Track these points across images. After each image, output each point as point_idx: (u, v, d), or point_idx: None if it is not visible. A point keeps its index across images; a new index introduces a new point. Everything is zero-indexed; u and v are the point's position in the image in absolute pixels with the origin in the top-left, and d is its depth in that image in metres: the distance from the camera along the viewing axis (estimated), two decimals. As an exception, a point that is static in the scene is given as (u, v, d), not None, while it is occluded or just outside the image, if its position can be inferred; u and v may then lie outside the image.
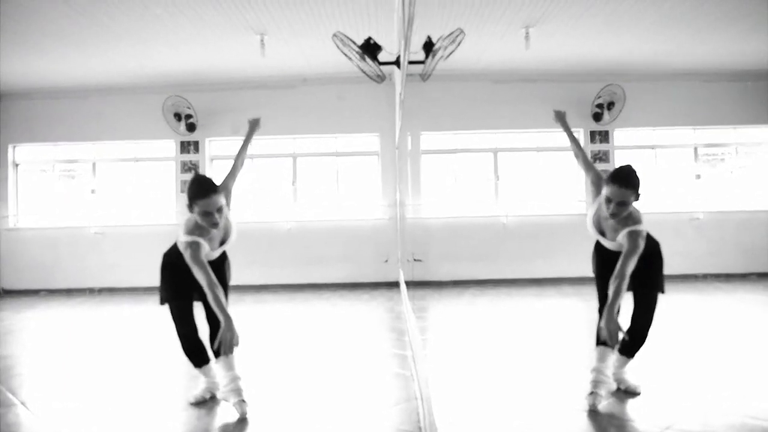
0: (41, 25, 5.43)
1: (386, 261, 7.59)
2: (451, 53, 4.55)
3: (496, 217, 7.55)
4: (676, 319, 4.77)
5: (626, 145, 7.70)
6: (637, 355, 2.87)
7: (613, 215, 2.61)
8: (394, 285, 7.38)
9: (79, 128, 7.89)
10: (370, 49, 4.83)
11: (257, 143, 8.02)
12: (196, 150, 7.80)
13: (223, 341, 2.56)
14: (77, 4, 4.99)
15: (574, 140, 3.21)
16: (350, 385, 3.24)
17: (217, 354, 2.85)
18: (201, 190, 2.65)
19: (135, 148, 8.07)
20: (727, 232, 7.30)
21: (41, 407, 2.91)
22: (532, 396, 2.90)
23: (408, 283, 5.97)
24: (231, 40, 6.08)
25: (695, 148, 7.73)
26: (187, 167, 7.79)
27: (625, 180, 2.57)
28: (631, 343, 2.83)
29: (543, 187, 7.74)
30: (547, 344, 4.17)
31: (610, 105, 7.28)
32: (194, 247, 2.71)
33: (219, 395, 2.89)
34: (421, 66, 4.70)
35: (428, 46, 4.56)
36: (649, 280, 2.78)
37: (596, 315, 2.83)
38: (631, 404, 2.70)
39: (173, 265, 2.87)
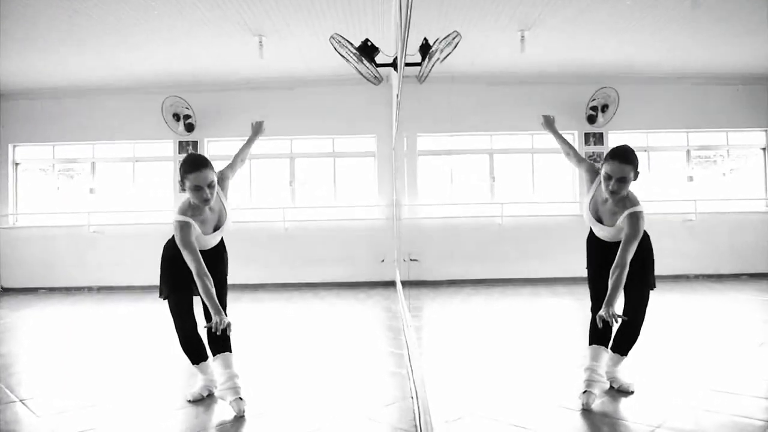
0: (41, 25, 5.45)
1: (383, 261, 7.62)
2: (447, 56, 4.58)
3: (492, 217, 7.60)
4: (668, 318, 4.82)
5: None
6: (630, 353, 2.89)
7: (612, 192, 2.62)
8: (390, 284, 7.41)
9: (79, 128, 7.92)
10: (367, 50, 4.85)
11: (256, 143, 8.05)
12: (195, 150, 7.82)
13: (215, 330, 2.60)
14: (77, 4, 5.01)
15: (563, 141, 3.23)
16: (346, 384, 3.27)
17: (215, 351, 2.88)
18: (192, 164, 2.69)
19: (134, 148, 8.10)
20: (720, 234, 7.37)
21: (40, 405, 2.92)
22: (527, 394, 2.93)
23: (404, 283, 6.00)
24: (229, 42, 6.11)
25: (688, 151, 7.79)
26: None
27: (624, 156, 2.59)
28: (624, 341, 2.85)
29: (538, 188, 7.80)
30: (540, 343, 4.20)
31: (605, 107, 7.34)
32: (184, 226, 2.72)
33: (216, 393, 2.90)
34: (417, 68, 4.72)
35: (425, 49, 4.59)
36: (640, 276, 2.77)
37: (589, 314, 2.86)
38: (624, 403, 2.71)
39: (173, 257, 2.85)
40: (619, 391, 2.83)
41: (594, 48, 6.44)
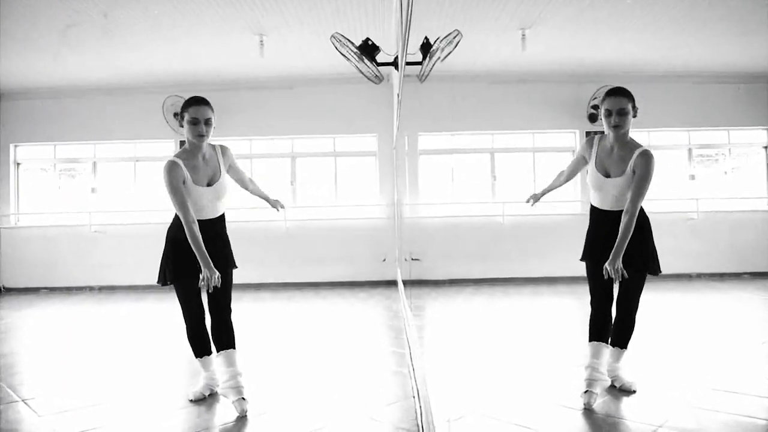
0: (41, 25, 5.45)
1: (384, 260, 7.63)
2: (448, 54, 4.57)
3: (493, 216, 7.59)
4: (670, 317, 4.82)
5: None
6: (630, 345, 2.87)
7: (615, 127, 2.71)
8: (391, 284, 7.42)
9: (80, 128, 7.93)
10: (368, 49, 4.85)
11: (257, 143, 8.06)
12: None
13: (207, 289, 2.64)
14: (77, 4, 5.01)
15: (556, 182, 3.33)
16: (348, 383, 3.27)
17: (219, 348, 2.87)
18: (193, 99, 2.81)
19: (135, 148, 8.11)
20: (721, 232, 7.36)
21: (41, 404, 2.93)
22: (528, 394, 2.93)
23: (405, 282, 6.00)
24: (230, 41, 6.11)
25: (689, 150, 7.78)
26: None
27: (620, 90, 2.73)
28: (622, 332, 2.84)
29: (539, 187, 7.76)
30: (542, 342, 4.20)
31: (606, 106, 7.31)
32: (171, 166, 2.70)
33: (219, 390, 2.91)
34: (418, 67, 4.72)
35: (426, 47, 4.58)
36: (636, 259, 2.71)
37: (589, 309, 2.87)
38: (626, 402, 2.71)
39: (178, 241, 2.78)
40: (620, 390, 2.83)
41: (595, 47, 6.44)
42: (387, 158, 7.83)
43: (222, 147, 2.98)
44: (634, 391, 2.80)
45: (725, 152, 7.82)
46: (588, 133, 7.55)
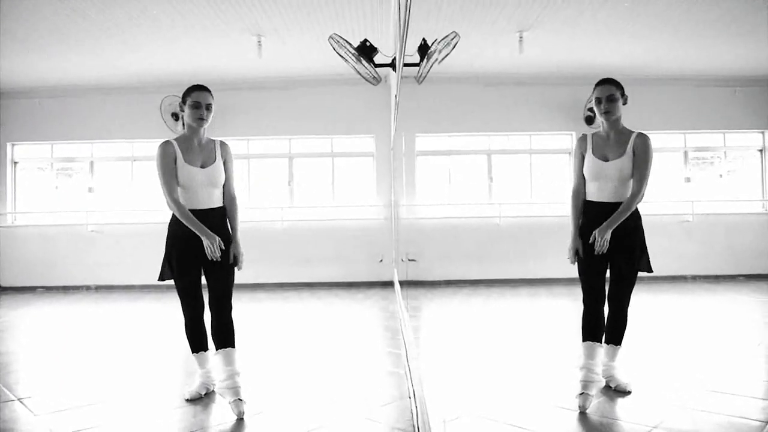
0: (41, 25, 5.45)
1: (381, 261, 7.64)
2: (446, 56, 4.58)
3: (490, 218, 7.61)
4: (665, 319, 4.84)
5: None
6: (626, 346, 2.87)
7: (606, 113, 2.80)
8: (388, 284, 7.43)
9: (78, 127, 7.92)
10: (366, 51, 4.86)
11: (254, 143, 8.06)
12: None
13: (210, 257, 2.71)
14: (76, 3, 5.01)
15: (578, 201, 2.93)
16: (344, 383, 3.28)
17: (218, 346, 2.86)
18: (195, 86, 2.88)
19: (132, 147, 8.11)
20: (717, 235, 7.38)
21: (38, 403, 2.94)
22: (524, 394, 2.94)
23: (402, 283, 6.01)
24: (228, 41, 6.12)
25: (685, 152, 7.81)
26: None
27: (608, 79, 2.85)
28: (614, 329, 2.85)
29: (536, 188, 7.81)
30: (538, 343, 4.22)
31: (603, 108, 7.33)
32: (164, 145, 2.81)
33: (216, 389, 2.91)
34: (416, 68, 4.73)
35: (423, 49, 4.59)
36: (627, 257, 2.73)
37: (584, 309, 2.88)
38: (621, 403, 2.72)
39: (179, 236, 2.80)
40: (616, 392, 2.83)
41: (592, 49, 6.46)
42: (384, 159, 7.84)
43: (222, 141, 3.01)
44: (630, 392, 2.81)
45: (721, 155, 7.85)
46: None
